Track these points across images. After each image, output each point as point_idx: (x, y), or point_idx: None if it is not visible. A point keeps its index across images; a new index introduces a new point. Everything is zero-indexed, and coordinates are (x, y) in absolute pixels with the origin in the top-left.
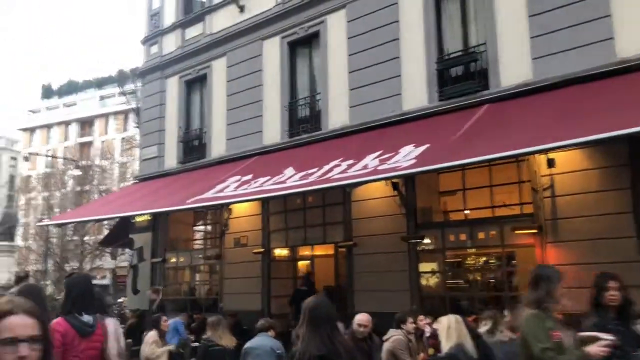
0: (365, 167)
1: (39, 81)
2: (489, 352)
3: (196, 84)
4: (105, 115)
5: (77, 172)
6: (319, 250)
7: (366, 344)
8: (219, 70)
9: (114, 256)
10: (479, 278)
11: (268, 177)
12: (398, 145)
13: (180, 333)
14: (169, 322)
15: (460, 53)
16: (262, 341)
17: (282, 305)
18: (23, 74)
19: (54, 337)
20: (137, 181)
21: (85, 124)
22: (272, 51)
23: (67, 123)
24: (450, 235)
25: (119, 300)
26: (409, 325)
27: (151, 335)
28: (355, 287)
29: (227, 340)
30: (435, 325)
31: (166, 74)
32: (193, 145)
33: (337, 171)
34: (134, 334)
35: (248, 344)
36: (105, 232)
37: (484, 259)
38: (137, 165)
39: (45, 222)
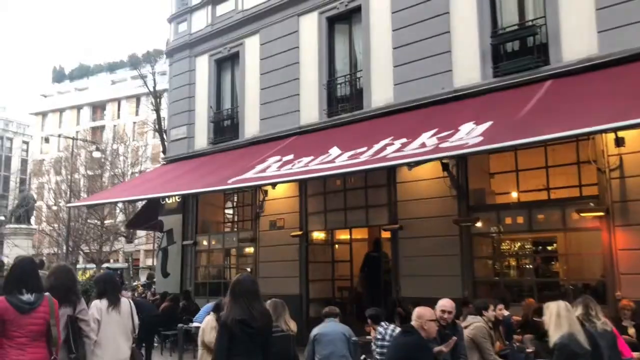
0: (422, 145)
1: (49, 64)
2: (596, 342)
3: (227, 62)
4: (117, 100)
5: (98, 155)
6: (357, 234)
7: (451, 331)
8: (252, 48)
9: (129, 240)
10: (536, 263)
11: (312, 157)
12: (454, 123)
13: None
14: (205, 305)
15: (516, 27)
16: (333, 327)
17: (320, 289)
18: (32, 57)
19: None
20: (164, 162)
21: (97, 108)
22: (310, 27)
23: (79, 107)
24: (506, 218)
25: (134, 283)
26: (491, 313)
27: (209, 321)
28: (400, 271)
29: (293, 325)
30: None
31: (195, 53)
32: (225, 126)
33: (391, 150)
34: (171, 317)
35: (317, 330)
36: (120, 216)
37: (541, 243)
38: (151, 149)
39: (76, 203)
